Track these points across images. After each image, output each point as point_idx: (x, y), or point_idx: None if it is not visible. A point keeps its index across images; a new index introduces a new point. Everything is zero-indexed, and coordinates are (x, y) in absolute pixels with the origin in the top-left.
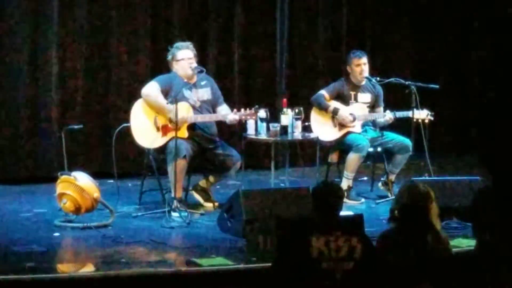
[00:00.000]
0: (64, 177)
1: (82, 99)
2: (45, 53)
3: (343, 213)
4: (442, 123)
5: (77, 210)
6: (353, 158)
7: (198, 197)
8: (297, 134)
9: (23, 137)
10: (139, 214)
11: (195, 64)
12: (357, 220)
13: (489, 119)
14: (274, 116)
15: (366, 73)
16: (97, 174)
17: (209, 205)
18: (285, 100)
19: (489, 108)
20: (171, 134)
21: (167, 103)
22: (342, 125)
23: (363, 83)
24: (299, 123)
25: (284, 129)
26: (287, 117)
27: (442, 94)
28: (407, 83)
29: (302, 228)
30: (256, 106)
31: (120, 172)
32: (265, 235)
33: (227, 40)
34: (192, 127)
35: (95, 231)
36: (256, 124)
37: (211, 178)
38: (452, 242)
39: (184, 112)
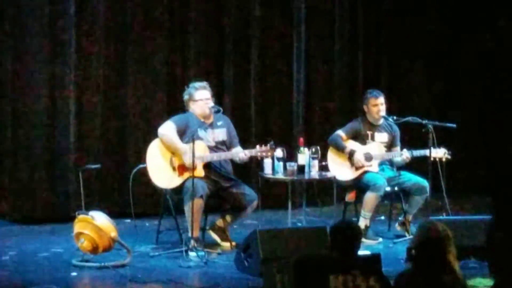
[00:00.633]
0: (81, 216)
1: (99, 138)
2: (62, 94)
3: (360, 252)
4: (460, 162)
5: (95, 250)
6: (370, 198)
7: (215, 236)
8: (314, 173)
9: (40, 176)
10: (156, 253)
11: (212, 104)
12: (374, 260)
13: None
14: (290, 155)
15: (383, 112)
16: (114, 214)
17: (226, 244)
18: (301, 139)
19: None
20: (187, 174)
21: (183, 145)
22: (359, 165)
23: (380, 122)
24: (316, 162)
25: (301, 169)
26: (304, 156)
27: (459, 133)
28: (423, 122)
29: (320, 267)
30: (271, 142)
31: (137, 212)
32: (282, 274)
33: (244, 79)
34: (208, 166)
35: (113, 271)
36: (273, 163)
37: (228, 218)
38: (471, 282)
39: (201, 151)
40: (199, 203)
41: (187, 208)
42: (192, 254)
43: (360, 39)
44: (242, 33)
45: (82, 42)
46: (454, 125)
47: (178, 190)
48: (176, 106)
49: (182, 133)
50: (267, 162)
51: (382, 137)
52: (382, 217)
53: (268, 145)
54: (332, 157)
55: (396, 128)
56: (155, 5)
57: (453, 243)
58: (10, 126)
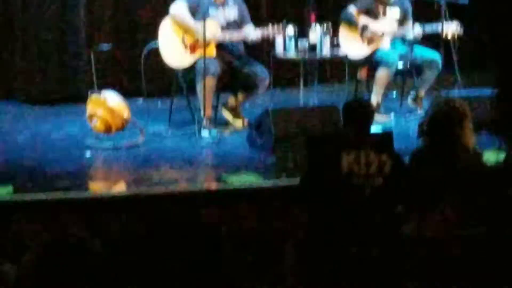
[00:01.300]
0: (94, 97)
1: (110, 18)
2: None
3: (372, 129)
4: (471, 38)
5: (108, 130)
6: (382, 74)
7: (227, 114)
8: (326, 51)
9: (52, 56)
10: (169, 133)
11: None
12: (386, 136)
13: None
14: (302, 32)
15: None
16: (126, 93)
17: (238, 123)
18: (313, 15)
19: None
20: (199, 52)
21: (195, 22)
22: (371, 41)
23: None
24: (327, 39)
25: (312, 47)
26: (316, 33)
27: (471, 10)
28: None
29: (332, 144)
30: (284, 21)
31: (149, 91)
32: (294, 151)
33: None
34: (220, 45)
35: (126, 151)
36: (284, 42)
37: (240, 96)
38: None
39: (213, 30)
40: (211, 81)
41: (199, 87)
42: (204, 133)
43: None
44: None
45: None
46: (466, 2)
47: (190, 69)
48: None
49: (193, 12)
50: (279, 41)
51: (394, 12)
52: (394, 94)
53: (281, 24)
54: (344, 34)
55: (408, 3)
56: None
57: (470, 119)
58: (21, 6)
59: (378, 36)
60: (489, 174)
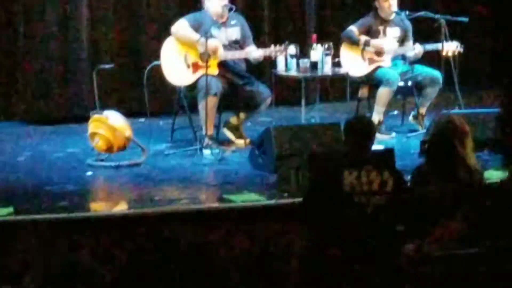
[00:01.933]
0: (96, 116)
1: (112, 38)
2: None
3: (374, 147)
4: (471, 56)
5: (110, 149)
6: (383, 93)
7: (229, 134)
8: (327, 69)
9: (55, 77)
10: (171, 152)
11: (225, 2)
12: (388, 154)
13: None
14: (303, 52)
15: (394, 7)
16: (128, 113)
17: (240, 142)
18: (314, 35)
19: None
20: (201, 71)
21: (198, 39)
22: (372, 60)
23: (392, 17)
24: (329, 59)
25: (314, 65)
26: (317, 52)
27: (471, 27)
28: (436, 16)
29: (334, 163)
30: (286, 42)
31: (151, 111)
32: (296, 170)
33: None
34: (222, 64)
35: (128, 170)
36: (286, 60)
37: (242, 115)
38: (484, 175)
39: (215, 48)
40: (213, 100)
41: (201, 106)
42: (206, 151)
43: None
44: None
45: None
46: (467, 19)
47: (192, 88)
48: (188, 5)
49: (195, 31)
50: (280, 59)
51: (394, 32)
52: (396, 112)
53: (283, 44)
54: (345, 53)
55: (408, 22)
56: None
57: (470, 137)
58: (23, 26)
59: (379, 55)
60: (490, 192)
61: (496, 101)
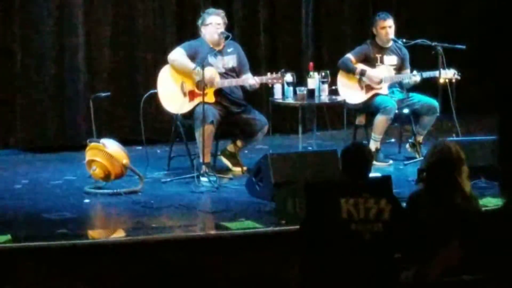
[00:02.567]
0: (93, 144)
1: (108, 66)
2: (71, 21)
3: (371, 175)
4: (469, 83)
5: (107, 177)
6: (380, 120)
7: (226, 162)
8: (324, 97)
9: (51, 105)
10: (168, 179)
11: (222, 29)
12: (385, 182)
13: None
14: (300, 80)
15: (391, 35)
16: (125, 141)
17: (237, 169)
18: (311, 64)
19: None
20: (198, 99)
21: (194, 68)
22: (369, 88)
23: (389, 45)
24: (325, 87)
25: (311, 93)
26: (314, 80)
27: (469, 54)
28: (433, 44)
29: (331, 190)
30: (283, 70)
31: (148, 138)
32: (293, 198)
33: (253, 4)
34: (218, 92)
35: (125, 197)
36: (283, 88)
37: (239, 143)
38: (481, 202)
39: (211, 77)
40: (209, 128)
41: (198, 134)
42: (203, 179)
43: None
44: None
45: None
46: (464, 47)
47: (189, 116)
48: (185, 33)
49: (192, 60)
50: (277, 87)
51: (391, 59)
52: (392, 140)
53: (279, 72)
54: (342, 81)
55: (405, 50)
56: None
57: (466, 164)
58: (19, 54)
59: (376, 83)
60: (487, 218)
61: (493, 129)
